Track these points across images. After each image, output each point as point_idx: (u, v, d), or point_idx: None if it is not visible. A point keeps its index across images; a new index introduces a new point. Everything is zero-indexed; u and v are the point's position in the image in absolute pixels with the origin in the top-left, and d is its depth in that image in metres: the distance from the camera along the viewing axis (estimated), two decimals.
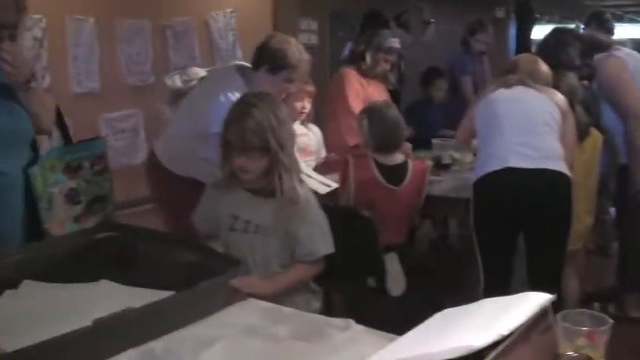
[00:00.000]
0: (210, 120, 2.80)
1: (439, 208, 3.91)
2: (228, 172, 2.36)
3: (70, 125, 5.46)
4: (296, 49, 3.28)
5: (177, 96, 3.57)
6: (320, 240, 2.35)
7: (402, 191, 3.44)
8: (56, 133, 2.50)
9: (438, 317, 1.50)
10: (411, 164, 3.51)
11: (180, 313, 1.72)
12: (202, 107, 3.15)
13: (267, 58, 3.23)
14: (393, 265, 3.20)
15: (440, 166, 4.17)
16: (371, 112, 3.56)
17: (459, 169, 4.18)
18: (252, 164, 2.28)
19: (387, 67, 4.44)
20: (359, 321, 1.77)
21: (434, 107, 5.65)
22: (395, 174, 3.45)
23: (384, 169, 3.43)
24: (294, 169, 2.32)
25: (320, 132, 4.19)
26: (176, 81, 3.58)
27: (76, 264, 2.03)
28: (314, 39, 8.02)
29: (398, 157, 3.50)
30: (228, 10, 6.83)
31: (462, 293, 3.49)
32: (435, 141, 4.32)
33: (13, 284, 1.87)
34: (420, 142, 4.44)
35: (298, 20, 7.81)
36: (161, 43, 6.00)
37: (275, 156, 2.25)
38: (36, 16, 5.42)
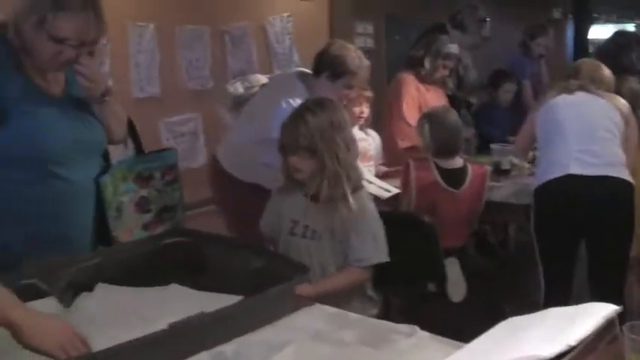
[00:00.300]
0: (271, 126, 2.84)
1: (498, 213, 3.89)
2: (288, 176, 2.44)
3: None
4: (355, 55, 3.32)
5: (238, 102, 3.64)
6: (372, 248, 2.39)
7: (462, 194, 3.47)
8: (130, 144, 2.57)
9: (502, 326, 1.51)
10: (470, 168, 3.53)
11: (250, 317, 1.77)
12: (264, 113, 3.21)
13: (327, 65, 3.28)
14: (453, 270, 3.21)
15: (499, 172, 4.15)
16: (431, 116, 3.61)
17: (519, 175, 4.16)
18: (302, 164, 2.37)
19: (446, 72, 4.44)
20: (419, 326, 1.80)
21: (500, 111, 5.59)
22: (455, 177, 3.47)
23: (444, 173, 3.46)
24: (347, 175, 2.37)
25: (378, 137, 4.21)
26: (238, 88, 3.65)
27: (146, 268, 2.09)
28: (370, 42, 8.03)
29: (457, 162, 3.53)
30: (285, 14, 6.89)
31: (521, 300, 3.50)
32: (494, 146, 4.30)
33: (88, 287, 1.94)
34: (486, 147, 4.45)
35: (354, 24, 7.84)
36: (219, 48, 6.08)
37: (323, 162, 2.32)
38: None
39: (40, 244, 2.10)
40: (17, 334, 1.35)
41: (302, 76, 3.41)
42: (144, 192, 2.44)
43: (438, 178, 3.45)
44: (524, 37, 6.15)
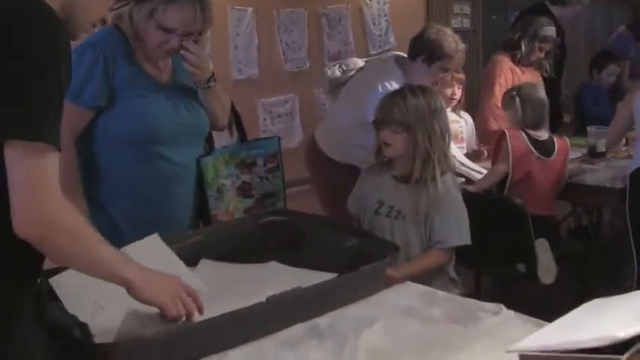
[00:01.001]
0: (367, 109, 2.92)
1: (592, 197, 3.87)
2: (378, 155, 2.53)
3: None
4: (452, 39, 3.36)
5: (335, 85, 3.72)
6: (455, 230, 2.44)
7: (553, 163, 3.55)
8: (235, 133, 2.69)
9: (586, 307, 1.56)
10: (556, 140, 3.63)
11: (344, 293, 1.86)
12: (361, 97, 3.29)
13: (424, 49, 3.33)
14: (544, 252, 3.23)
15: (594, 155, 4.12)
16: (520, 90, 3.69)
17: (614, 158, 4.11)
18: (392, 138, 2.44)
19: (542, 55, 4.41)
20: (508, 306, 1.85)
21: (602, 92, 5.48)
22: (544, 147, 3.57)
23: (535, 143, 3.56)
24: (438, 159, 2.43)
25: (471, 120, 4.22)
26: (335, 71, 3.73)
27: (247, 246, 2.21)
28: (466, 23, 7.96)
29: (544, 134, 3.62)
30: None
31: (614, 284, 3.48)
32: (590, 128, 4.25)
33: (192, 263, 2.06)
34: (584, 129, 4.42)
35: (451, 4, 7.80)
36: (316, 30, 6.18)
37: (415, 138, 2.39)
38: None
39: (145, 222, 2.21)
40: (131, 290, 1.47)
41: (398, 60, 3.47)
42: (246, 177, 2.56)
43: (531, 147, 3.52)
44: (635, 16, 5.98)
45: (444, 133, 2.47)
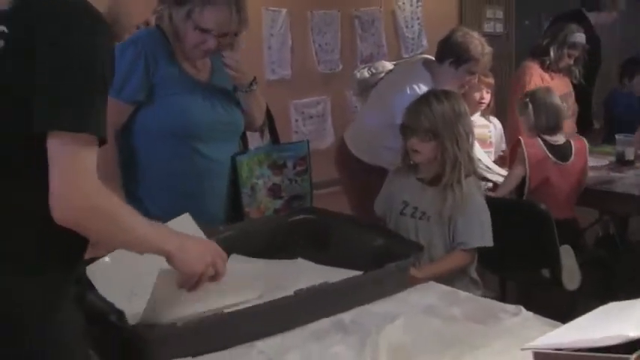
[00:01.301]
0: (396, 111, 2.98)
1: (620, 205, 3.89)
2: (405, 158, 2.60)
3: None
4: (478, 42, 3.42)
5: (364, 88, 3.79)
6: (477, 232, 2.50)
7: (570, 167, 3.59)
8: (267, 134, 2.78)
9: (601, 309, 1.61)
10: (573, 142, 3.66)
11: (369, 290, 1.93)
12: (389, 99, 3.36)
13: (451, 52, 3.39)
14: (568, 258, 3.26)
15: (623, 162, 4.14)
16: (534, 96, 3.73)
17: None
18: (421, 146, 2.51)
19: (571, 61, 4.43)
20: (532, 310, 1.90)
21: (634, 100, 5.45)
22: (561, 152, 3.60)
23: (552, 148, 3.59)
24: (463, 162, 2.50)
25: (500, 125, 4.25)
26: (364, 73, 3.80)
27: (275, 242, 2.29)
28: (499, 27, 7.97)
29: (560, 138, 3.65)
30: None
31: (637, 291, 3.50)
32: (618, 136, 4.27)
33: None
34: (612, 137, 4.44)
35: (484, 8, 7.81)
36: (349, 32, 6.25)
37: (444, 145, 2.45)
38: None
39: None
40: (169, 260, 1.56)
41: (427, 63, 3.53)
42: (277, 179, 2.64)
43: (548, 153, 3.56)
44: None
45: (469, 136, 2.53)
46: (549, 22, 5.72)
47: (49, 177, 1.36)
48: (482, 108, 4.11)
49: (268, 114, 2.77)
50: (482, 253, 2.59)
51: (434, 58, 3.55)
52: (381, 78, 3.71)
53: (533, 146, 3.57)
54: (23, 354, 1.40)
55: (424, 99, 2.55)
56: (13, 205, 1.40)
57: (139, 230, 1.51)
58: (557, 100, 3.71)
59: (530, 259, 3.27)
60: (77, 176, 1.37)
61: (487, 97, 4.09)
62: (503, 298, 3.53)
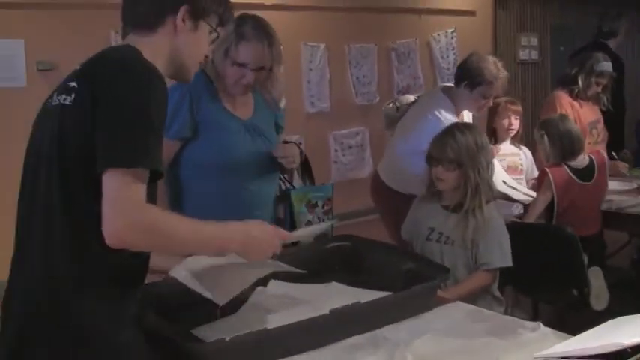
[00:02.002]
0: (421, 138, 3.16)
1: None
2: (430, 186, 2.79)
3: (302, 142, 6.13)
4: (493, 66, 3.61)
5: (391, 121, 4.01)
6: (497, 253, 2.67)
7: (594, 185, 3.78)
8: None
9: (609, 323, 1.77)
10: (594, 159, 3.84)
11: (398, 309, 2.11)
12: (414, 127, 3.57)
13: (466, 75, 3.62)
14: (597, 280, 3.39)
15: None
16: (547, 127, 3.89)
17: None
18: (445, 175, 2.71)
19: (599, 89, 4.55)
20: (564, 331, 2.00)
21: None
22: (585, 172, 3.79)
23: (576, 171, 3.76)
24: (484, 190, 2.69)
25: (530, 154, 4.36)
26: (390, 108, 4.02)
27: (314, 267, 2.47)
28: (534, 55, 8.09)
29: (584, 160, 3.83)
30: (450, 30, 7.13)
31: None
32: None
33: (264, 283, 2.30)
34: None
35: (519, 36, 7.94)
36: (386, 64, 6.45)
37: (467, 174, 2.63)
38: None
39: None
40: (242, 256, 1.82)
41: (445, 89, 3.78)
42: (310, 217, 2.91)
43: (573, 177, 3.74)
44: None
45: (489, 165, 2.72)
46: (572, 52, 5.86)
47: (102, 207, 1.53)
48: (512, 135, 4.26)
49: (306, 161, 3.05)
50: (514, 276, 2.74)
51: (452, 84, 3.76)
52: (406, 110, 3.92)
53: (558, 173, 3.73)
54: None
55: (449, 132, 2.74)
56: (85, 237, 1.62)
57: (198, 239, 1.72)
58: (570, 125, 3.87)
59: (560, 281, 3.41)
60: (125, 203, 1.54)
61: (515, 123, 4.23)
62: (535, 319, 3.66)
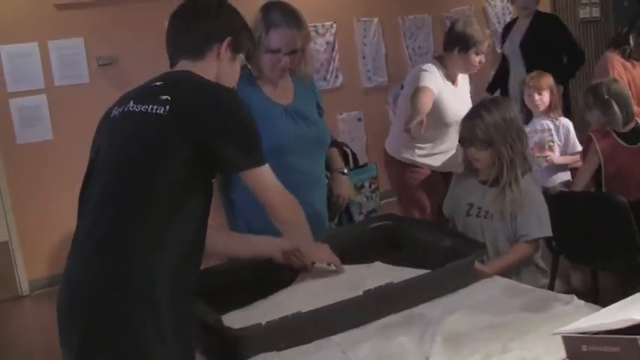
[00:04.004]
0: (405, 83, 3.67)
1: None
2: (467, 165, 2.84)
3: (361, 116, 6.24)
4: (478, 27, 3.86)
5: (395, 98, 4.17)
6: (535, 224, 2.69)
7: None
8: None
9: (637, 295, 1.79)
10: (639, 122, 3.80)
11: (433, 288, 2.18)
12: (405, 90, 3.88)
13: (457, 41, 3.80)
14: None
15: None
16: (594, 90, 3.85)
17: None
18: (479, 154, 2.74)
19: None
20: (625, 297, 2.01)
21: None
22: (632, 135, 3.74)
23: (622, 136, 3.73)
24: (519, 163, 2.70)
25: (571, 125, 4.24)
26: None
27: (360, 247, 2.57)
28: (596, 12, 7.92)
29: (631, 125, 3.80)
30: None
31: None
32: None
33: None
34: None
35: None
36: (441, 33, 6.39)
37: (499, 151, 2.67)
38: (327, 23, 6.16)
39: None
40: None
41: (436, 57, 4.03)
42: (359, 199, 3.02)
43: (620, 141, 3.71)
44: None
45: (522, 137, 2.74)
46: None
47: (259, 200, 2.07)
48: (542, 109, 4.21)
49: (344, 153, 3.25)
50: (567, 245, 2.74)
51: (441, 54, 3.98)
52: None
53: (604, 138, 3.71)
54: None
55: (476, 111, 2.77)
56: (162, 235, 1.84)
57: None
58: (618, 90, 3.81)
59: (612, 248, 3.39)
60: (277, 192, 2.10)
61: (540, 98, 4.20)
62: (596, 289, 3.67)
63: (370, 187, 3.17)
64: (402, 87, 4.13)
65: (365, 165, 3.83)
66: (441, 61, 3.86)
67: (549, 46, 5.04)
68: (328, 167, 3.01)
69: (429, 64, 3.82)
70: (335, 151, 3.12)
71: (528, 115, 4.23)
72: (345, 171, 3.04)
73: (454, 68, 3.84)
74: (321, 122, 2.91)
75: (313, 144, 2.85)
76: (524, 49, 5.19)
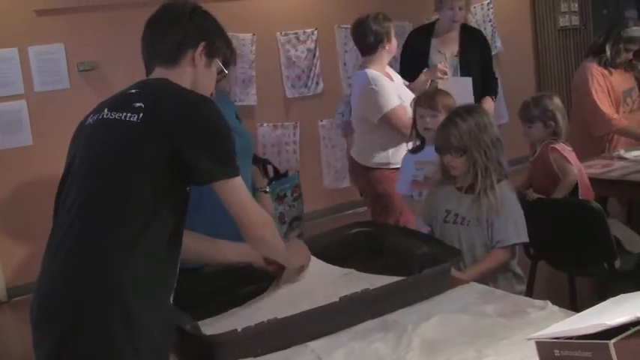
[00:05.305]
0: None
1: None
2: (445, 173, 2.85)
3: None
4: (377, 18, 4.06)
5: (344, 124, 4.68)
6: (512, 230, 2.71)
7: None
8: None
9: (610, 300, 1.82)
10: None
11: (408, 294, 2.20)
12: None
13: (370, 40, 4.01)
14: (618, 229, 3.48)
15: None
16: (536, 102, 3.79)
17: None
18: (455, 161, 2.75)
19: (629, 56, 4.44)
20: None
21: None
22: None
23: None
24: (494, 169, 2.72)
25: None
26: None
27: (339, 253, 2.58)
28: (575, 20, 7.98)
29: None
30: (486, 1, 7.10)
31: None
32: None
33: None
34: None
35: (558, 2, 7.84)
36: None
37: (473, 157, 2.69)
38: (308, 30, 6.18)
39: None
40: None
41: (362, 65, 4.17)
42: (281, 208, 3.09)
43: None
44: None
45: (496, 143, 2.75)
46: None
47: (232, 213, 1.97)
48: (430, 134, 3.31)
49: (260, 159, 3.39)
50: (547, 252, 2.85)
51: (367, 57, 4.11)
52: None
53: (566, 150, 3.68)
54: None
55: (450, 120, 2.78)
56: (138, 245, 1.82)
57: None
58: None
59: (589, 255, 3.44)
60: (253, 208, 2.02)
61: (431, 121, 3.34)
62: (573, 294, 3.69)
63: (292, 195, 3.29)
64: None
65: (286, 174, 3.87)
66: (367, 63, 4.05)
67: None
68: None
69: (374, 77, 3.94)
70: (256, 169, 3.13)
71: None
72: (267, 189, 3.07)
73: (381, 63, 4.06)
74: (246, 132, 2.87)
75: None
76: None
